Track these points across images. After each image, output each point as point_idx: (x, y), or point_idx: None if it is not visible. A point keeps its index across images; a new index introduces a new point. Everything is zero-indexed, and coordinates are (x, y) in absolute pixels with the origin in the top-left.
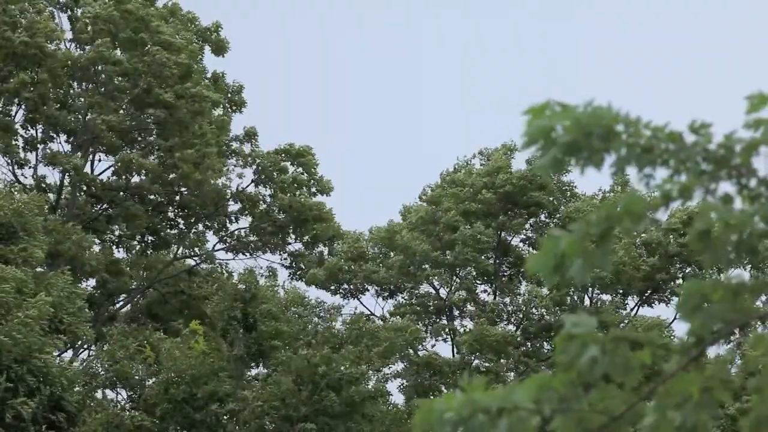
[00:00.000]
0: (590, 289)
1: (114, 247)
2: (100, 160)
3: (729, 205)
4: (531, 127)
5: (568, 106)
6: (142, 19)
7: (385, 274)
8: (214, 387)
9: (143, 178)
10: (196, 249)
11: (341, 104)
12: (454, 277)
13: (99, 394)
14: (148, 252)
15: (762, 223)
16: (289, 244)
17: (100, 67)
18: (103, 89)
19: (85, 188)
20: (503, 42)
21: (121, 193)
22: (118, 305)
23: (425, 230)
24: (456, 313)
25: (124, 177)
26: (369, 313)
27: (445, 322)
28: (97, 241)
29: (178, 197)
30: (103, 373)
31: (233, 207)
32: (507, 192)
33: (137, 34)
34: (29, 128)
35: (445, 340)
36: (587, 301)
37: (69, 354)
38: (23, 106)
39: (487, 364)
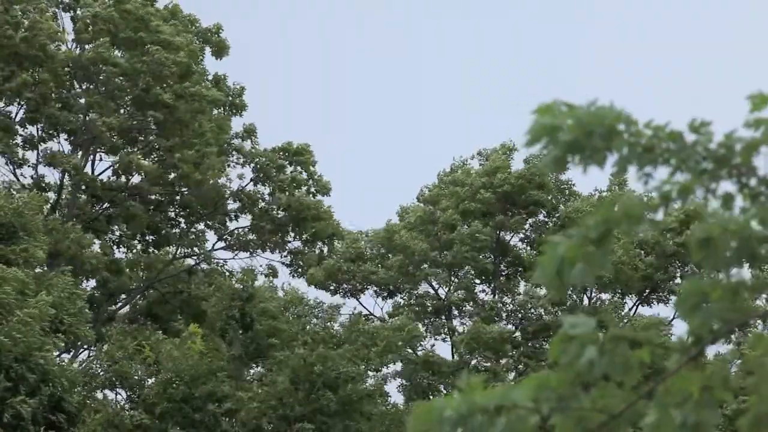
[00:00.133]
0: (588, 288)
1: (114, 246)
2: (101, 160)
3: (728, 211)
4: (534, 125)
5: (573, 106)
6: (142, 19)
7: (384, 275)
8: (213, 387)
9: (143, 177)
10: (196, 248)
11: (341, 104)
12: (453, 277)
13: (99, 395)
14: (149, 250)
15: (761, 227)
16: (289, 242)
17: (100, 67)
18: (103, 89)
19: (85, 188)
20: (503, 42)
21: (122, 193)
22: (118, 305)
23: (423, 230)
24: (455, 312)
25: (124, 177)
26: (368, 313)
27: (444, 321)
28: (96, 240)
29: (178, 197)
30: (102, 373)
31: (232, 206)
32: (506, 192)
33: (137, 33)
34: (27, 126)
35: (444, 340)
36: (586, 301)
37: (69, 355)
38: (24, 106)
39: (486, 363)
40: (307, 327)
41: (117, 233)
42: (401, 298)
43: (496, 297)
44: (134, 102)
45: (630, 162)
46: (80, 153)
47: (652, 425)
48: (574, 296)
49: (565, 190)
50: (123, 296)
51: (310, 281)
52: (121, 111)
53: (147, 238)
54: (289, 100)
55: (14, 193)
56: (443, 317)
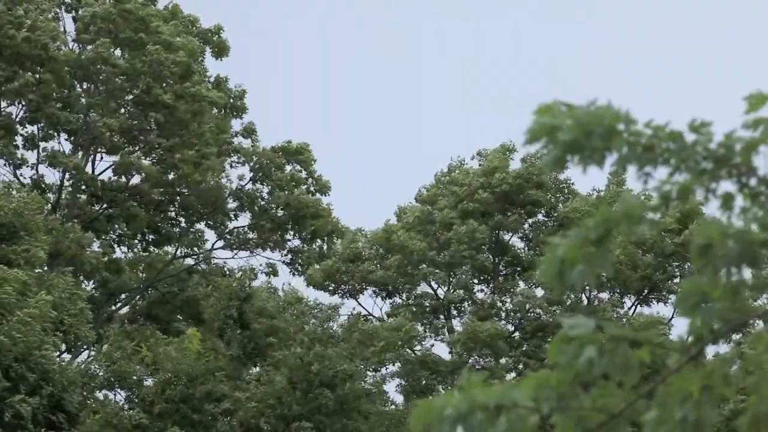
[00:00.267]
0: (587, 288)
1: (114, 245)
2: (101, 159)
3: (728, 211)
4: (534, 125)
5: (573, 106)
6: (142, 20)
7: (383, 274)
8: (211, 387)
9: (143, 177)
10: (195, 248)
11: (341, 104)
12: (452, 277)
13: (100, 395)
14: (150, 249)
15: (762, 231)
16: (288, 240)
17: (100, 67)
18: (103, 88)
19: (85, 188)
20: (503, 42)
21: (122, 193)
22: (118, 305)
23: (421, 230)
24: (454, 312)
25: (124, 177)
26: (367, 313)
27: (443, 321)
28: (96, 240)
29: (178, 197)
30: (101, 374)
31: (232, 205)
32: (504, 191)
33: (137, 34)
34: (27, 126)
35: (442, 340)
36: (584, 301)
37: (68, 355)
38: (25, 107)
39: (483, 362)
40: (306, 327)
41: (117, 233)
42: (400, 298)
43: (495, 297)
44: (135, 102)
45: (630, 162)
46: (81, 153)
47: (653, 421)
48: (572, 296)
49: (564, 189)
50: (123, 296)
51: (309, 282)
52: (122, 111)
53: (147, 237)
54: (289, 100)
55: (14, 192)
56: (442, 317)
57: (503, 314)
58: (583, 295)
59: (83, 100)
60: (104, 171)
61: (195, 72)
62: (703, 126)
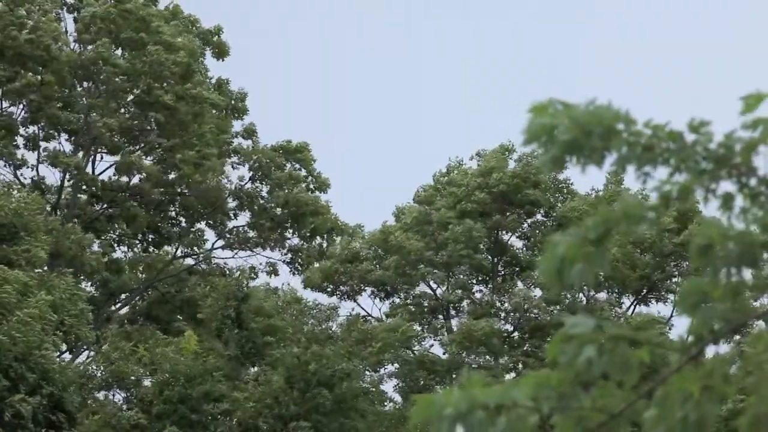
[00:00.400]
0: (584, 287)
1: (114, 245)
2: (102, 159)
3: (728, 211)
4: (532, 125)
5: (569, 105)
6: (143, 20)
7: (381, 274)
8: (209, 387)
9: (143, 177)
10: (195, 248)
11: (341, 104)
12: (450, 276)
13: (101, 395)
14: (150, 249)
15: (762, 232)
16: (288, 239)
17: (101, 67)
18: (103, 88)
19: (85, 188)
20: (503, 42)
21: (122, 193)
22: (118, 305)
23: (419, 230)
24: (453, 312)
25: (125, 177)
26: (366, 314)
27: (442, 321)
28: (96, 240)
29: (178, 197)
30: (99, 374)
31: (231, 204)
32: (502, 191)
33: (138, 33)
34: (28, 126)
35: (441, 342)
36: (582, 300)
37: (69, 356)
38: (26, 107)
39: (480, 360)
40: (305, 328)
41: (117, 233)
42: (398, 298)
43: (494, 297)
44: (135, 102)
45: (629, 161)
46: (81, 153)
47: (653, 419)
48: (568, 295)
49: (563, 189)
50: (123, 296)
51: (307, 284)
52: (122, 111)
53: (147, 237)
54: (288, 100)
55: (14, 192)
56: (441, 317)
57: (502, 314)
58: (581, 294)
59: (84, 100)
60: (104, 171)
61: (196, 72)
62: (702, 125)
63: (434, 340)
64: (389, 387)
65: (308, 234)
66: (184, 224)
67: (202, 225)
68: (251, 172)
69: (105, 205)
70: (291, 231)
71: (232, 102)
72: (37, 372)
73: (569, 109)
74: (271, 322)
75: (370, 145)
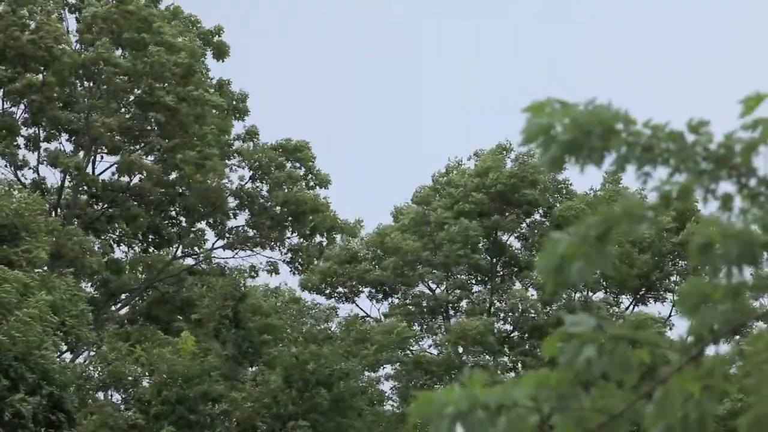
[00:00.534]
0: (581, 287)
1: (114, 245)
2: (102, 159)
3: (727, 212)
4: (529, 124)
5: (567, 104)
6: (145, 20)
7: (379, 274)
8: (207, 387)
9: (144, 177)
10: (196, 248)
11: (341, 104)
12: (448, 277)
13: (101, 396)
14: (150, 250)
15: (762, 231)
16: (288, 238)
17: (101, 67)
18: (104, 87)
19: (86, 188)
20: (503, 42)
21: (122, 194)
22: (118, 305)
23: (417, 231)
24: (452, 312)
25: (126, 176)
26: (365, 314)
27: (441, 321)
28: (96, 240)
29: (179, 197)
30: (96, 375)
31: (231, 203)
32: (499, 191)
33: (139, 34)
34: (29, 127)
35: (437, 342)
36: (578, 300)
37: (69, 356)
38: (28, 107)
39: (475, 359)
40: (304, 328)
41: (117, 233)
42: (397, 298)
43: (493, 297)
44: (136, 103)
45: (629, 162)
46: (82, 153)
47: (653, 416)
48: (564, 295)
49: (562, 189)
50: (123, 297)
51: (305, 286)
52: (122, 111)
53: (147, 238)
54: (289, 100)
55: (15, 192)
56: (440, 317)
57: (501, 314)
58: (577, 294)
59: (84, 100)
60: (104, 171)
61: (197, 72)
62: (702, 126)
63: (431, 340)
64: (386, 388)
65: (308, 232)
66: (184, 224)
67: (202, 225)
68: (251, 171)
69: (105, 206)
70: (291, 230)
71: (233, 102)
72: (36, 372)
73: (567, 109)
74: (268, 321)
75: (370, 144)
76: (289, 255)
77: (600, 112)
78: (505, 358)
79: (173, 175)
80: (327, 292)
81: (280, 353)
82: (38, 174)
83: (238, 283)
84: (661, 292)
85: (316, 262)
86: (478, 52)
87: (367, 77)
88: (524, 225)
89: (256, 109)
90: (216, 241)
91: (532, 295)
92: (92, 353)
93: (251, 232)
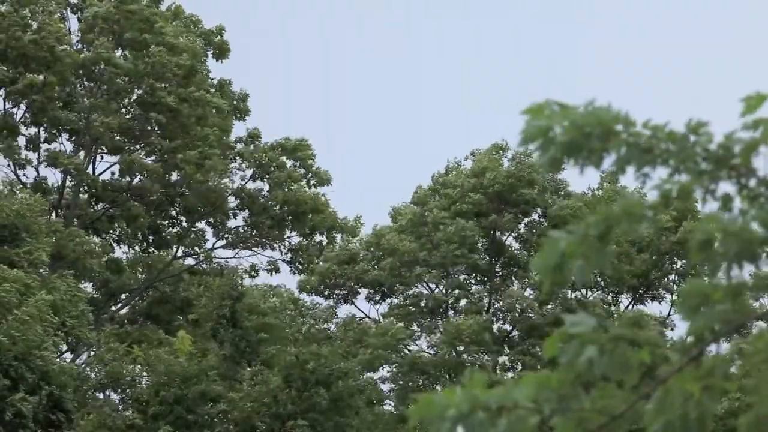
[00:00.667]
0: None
1: (114, 243)
2: (102, 159)
3: (727, 212)
4: (528, 126)
5: (566, 106)
6: (147, 20)
7: (377, 274)
8: (205, 387)
9: (144, 177)
10: (196, 248)
11: (341, 104)
12: (445, 277)
13: (101, 396)
14: (150, 250)
15: (762, 229)
16: (288, 237)
17: (102, 67)
18: (104, 87)
19: (86, 188)
20: (503, 42)
21: (123, 194)
22: (118, 306)
23: (414, 232)
24: (451, 313)
25: (126, 177)
26: (363, 315)
27: (437, 321)
28: (97, 240)
29: (179, 198)
30: (94, 376)
31: (231, 203)
32: (497, 191)
33: (141, 34)
34: (29, 127)
35: (430, 341)
36: (573, 299)
37: (69, 356)
38: (29, 108)
39: (470, 358)
40: (303, 329)
41: (117, 233)
42: (396, 298)
43: (492, 297)
44: (138, 103)
45: (628, 162)
46: (82, 153)
47: (652, 414)
48: (560, 295)
49: (560, 190)
50: (123, 296)
51: (303, 288)
52: (123, 111)
53: (147, 238)
54: (288, 100)
55: (17, 192)
56: (439, 317)
57: (500, 314)
58: (574, 293)
59: (85, 100)
60: (105, 171)
61: (198, 73)
62: (701, 126)
63: (427, 340)
64: (385, 388)
65: (308, 231)
66: (184, 224)
67: (202, 224)
68: (251, 170)
69: (106, 206)
70: (290, 229)
71: (234, 102)
72: (36, 372)
73: (566, 111)
74: (265, 320)
75: (370, 145)
76: (289, 255)
77: (599, 113)
78: (504, 358)
79: (174, 176)
80: (326, 293)
81: (278, 352)
82: (38, 173)
83: (236, 283)
84: (660, 291)
85: (316, 262)
86: (478, 52)
87: (367, 77)
88: (522, 225)
89: (256, 109)
90: (216, 241)
91: (530, 294)
92: (92, 354)
93: (252, 232)
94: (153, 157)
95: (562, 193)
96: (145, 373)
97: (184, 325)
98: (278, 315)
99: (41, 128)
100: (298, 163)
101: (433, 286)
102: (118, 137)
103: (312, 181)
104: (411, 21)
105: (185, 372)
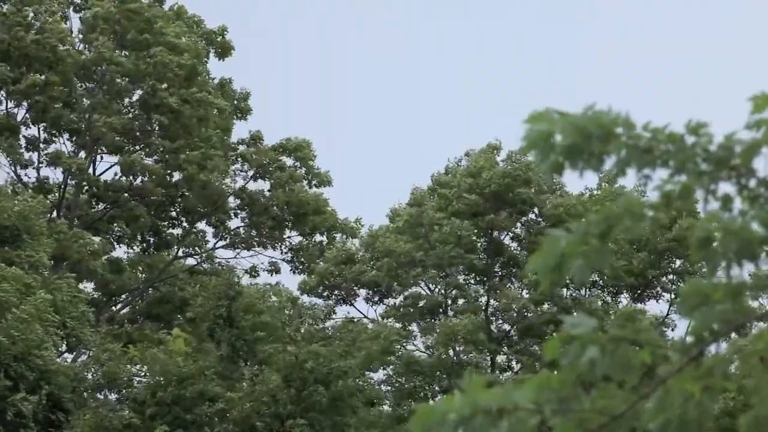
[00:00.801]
0: (572, 286)
1: (115, 243)
2: (101, 160)
3: (730, 212)
4: (530, 132)
5: (567, 114)
6: (148, 20)
7: (375, 275)
8: (203, 387)
9: (146, 178)
10: (197, 248)
11: (341, 104)
12: (443, 277)
13: (100, 396)
14: (150, 251)
15: (762, 229)
16: (289, 237)
17: (103, 67)
18: (105, 87)
19: (87, 189)
20: (503, 42)
21: (124, 195)
22: (119, 306)
23: (411, 233)
24: (451, 313)
25: (127, 178)
26: (363, 316)
27: (433, 322)
28: (97, 240)
29: (180, 198)
30: (89, 376)
31: (232, 203)
32: (493, 191)
33: (142, 34)
34: (30, 127)
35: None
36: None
37: (70, 357)
38: (31, 108)
39: (465, 358)
40: (302, 329)
41: (117, 234)
42: (394, 299)
43: (490, 297)
44: (140, 104)
45: (629, 164)
46: (83, 154)
47: (651, 412)
48: (556, 294)
49: (557, 190)
50: (123, 297)
51: (303, 289)
52: (124, 111)
53: (147, 239)
54: (288, 100)
55: (18, 192)
56: (437, 318)
57: (499, 314)
58: (568, 291)
59: (86, 100)
60: (105, 171)
61: (200, 74)
62: (701, 127)
63: (422, 341)
64: (384, 388)
65: (308, 231)
66: (185, 225)
67: (202, 225)
68: (252, 170)
69: (107, 206)
70: (291, 230)
71: (235, 101)
72: (36, 372)
73: (567, 117)
74: (261, 319)
75: (370, 144)
76: (290, 255)
77: (599, 116)
78: (502, 357)
79: (175, 176)
80: (325, 294)
81: (275, 351)
82: (38, 174)
83: (232, 282)
84: (658, 290)
85: (317, 262)
86: (478, 52)
87: (367, 77)
88: (519, 224)
89: (256, 109)
90: (217, 242)
91: (527, 294)
92: (91, 354)
93: (252, 232)
94: (153, 158)
95: (558, 192)
96: (142, 373)
97: (182, 325)
98: (275, 314)
99: (41, 128)
100: (298, 164)
101: (431, 286)
102: (118, 138)
103: (313, 182)
104: (411, 21)
105: (181, 372)
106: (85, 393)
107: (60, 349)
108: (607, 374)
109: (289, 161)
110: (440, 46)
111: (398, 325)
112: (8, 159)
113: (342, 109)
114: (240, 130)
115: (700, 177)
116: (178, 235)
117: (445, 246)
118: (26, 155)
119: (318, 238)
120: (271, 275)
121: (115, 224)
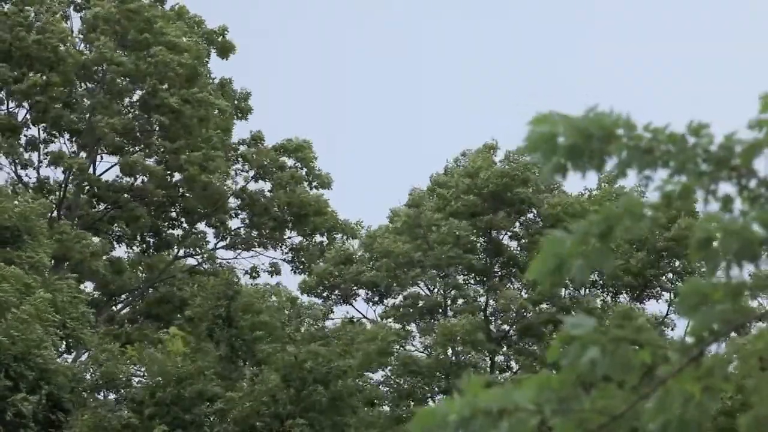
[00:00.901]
0: (570, 285)
1: (115, 243)
2: (101, 160)
3: (730, 213)
4: (532, 133)
5: (569, 117)
6: (149, 20)
7: (374, 275)
8: (202, 386)
9: (147, 178)
10: (197, 249)
11: (341, 104)
12: (441, 277)
13: (100, 396)
14: (150, 251)
15: (762, 229)
16: (289, 238)
17: (104, 67)
18: (105, 87)
19: (88, 189)
20: (503, 42)
21: (125, 195)
22: (119, 306)
23: (410, 233)
24: (450, 313)
25: (127, 178)
26: (362, 316)
27: (432, 322)
28: (97, 240)
29: (180, 198)
30: (88, 377)
31: (232, 204)
32: (491, 191)
33: (142, 34)
34: (31, 127)
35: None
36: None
37: (70, 357)
38: (31, 108)
39: (464, 358)
40: (302, 329)
41: (117, 234)
42: (393, 299)
43: (489, 298)
44: (140, 104)
45: (629, 165)
46: (84, 154)
47: (651, 412)
48: (555, 293)
49: (554, 189)
50: (123, 297)
51: (303, 289)
52: (125, 111)
53: (147, 239)
54: (288, 100)
55: (18, 193)
56: (437, 318)
57: (498, 314)
58: (566, 291)
59: (86, 100)
60: (106, 171)
61: (201, 74)
62: (702, 128)
63: (420, 341)
64: (383, 388)
65: (308, 232)
66: (185, 225)
67: (203, 225)
68: (253, 170)
69: (107, 206)
70: (291, 230)
71: (236, 101)
72: (36, 371)
73: (569, 119)
74: (260, 318)
75: (370, 145)
76: (290, 255)
77: (601, 118)
78: (501, 357)
79: (176, 176)
80: (324, 294)
81: (275, 351)
82: (38, 174)
83: (231, 282)
84: (657, 290)
85: (317, 262)
86: (478, 52)
87: (367, 77)
88: (518, 224)
89: (256, 109)
90: (217, 242)
91: (525, 295)
92: (90, 354)
93: (253, 233)
94: (154, 158)
95: (555, 192)
96: (140, 373)
97: (182, 325)
98: (274, 314)
99: (42, 128)
100: (299, 164)
101: (430, 286)
102: (118, 138)
103: (314, 183)
104: (411, 21)
105: (180, 372)
106: (83, 393)
107: (59, 349)
108: (607, 374)
109: (289, 162)
110: (440, 46)
111: (397, 326)
112: (9, 159)
113: (342, 109)
114: (240, 131)
115: (701, 177)
116: (178, 235)
117: (443, 246)
118: (26, 155)
119: (318, 238)
120: (272, 276)
121: (115, 224)
